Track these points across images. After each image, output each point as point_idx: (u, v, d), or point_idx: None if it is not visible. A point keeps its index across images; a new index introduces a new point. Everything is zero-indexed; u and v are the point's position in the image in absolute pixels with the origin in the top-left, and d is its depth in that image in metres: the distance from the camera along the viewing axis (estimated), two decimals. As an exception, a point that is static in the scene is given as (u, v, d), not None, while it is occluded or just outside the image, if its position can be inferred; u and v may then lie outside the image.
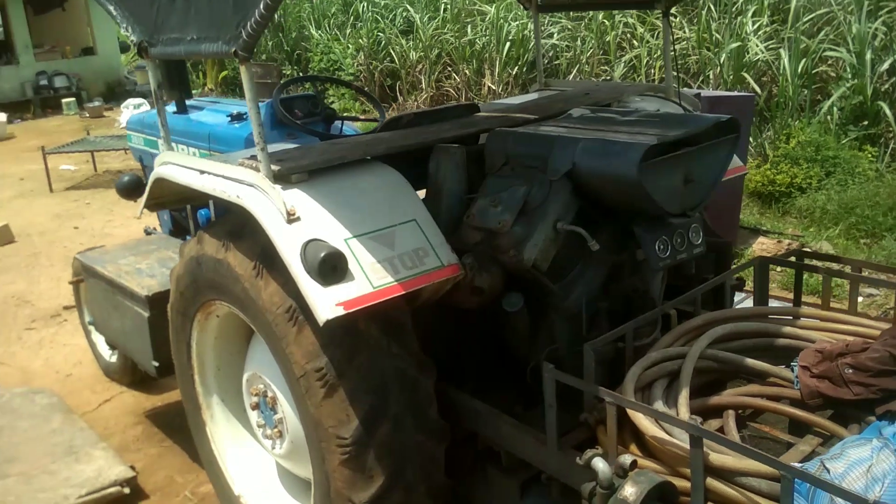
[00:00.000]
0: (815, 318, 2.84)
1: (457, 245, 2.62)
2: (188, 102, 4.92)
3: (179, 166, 2.88)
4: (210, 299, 2.91)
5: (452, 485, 2.69)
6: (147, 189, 3.10)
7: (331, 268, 2.27)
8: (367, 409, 2.42)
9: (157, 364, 3.57)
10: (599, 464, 1.96)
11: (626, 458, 1.98)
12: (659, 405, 2.33)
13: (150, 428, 4.25)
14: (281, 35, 16.45)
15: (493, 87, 11.64)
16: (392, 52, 13.19)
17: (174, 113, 4.90)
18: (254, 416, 3.06)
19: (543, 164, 2.60)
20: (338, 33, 15.01)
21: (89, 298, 4.26)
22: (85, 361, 4.93)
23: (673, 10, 10.15)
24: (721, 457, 2.01)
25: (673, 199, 2.54)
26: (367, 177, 2.60)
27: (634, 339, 2.63)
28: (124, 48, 17.14)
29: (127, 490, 3.56)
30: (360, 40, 13.87)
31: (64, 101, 14.69)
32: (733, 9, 9.22)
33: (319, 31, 15.40)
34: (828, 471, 1.87)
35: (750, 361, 2.63)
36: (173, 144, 4.54)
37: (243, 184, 2.52)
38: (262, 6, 2.14)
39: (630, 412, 2.25)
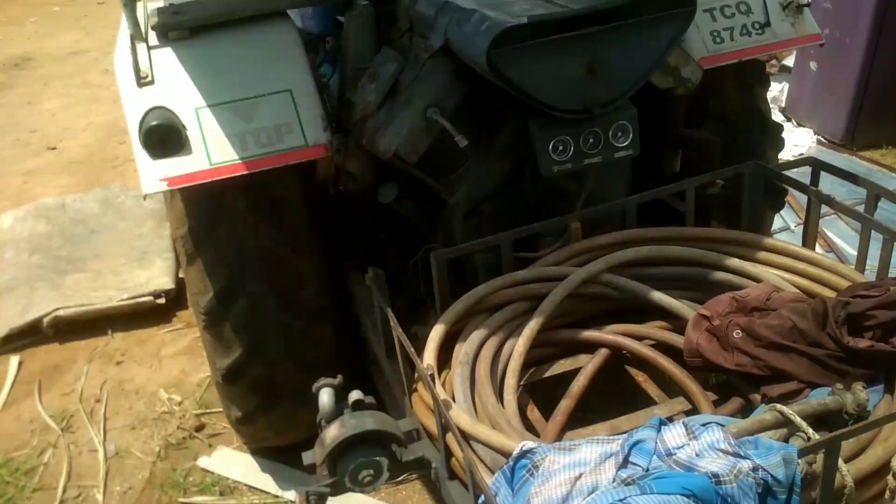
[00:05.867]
0: (784, 254, 2.22)
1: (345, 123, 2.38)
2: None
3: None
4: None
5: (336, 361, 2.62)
6: None
7: (159, 140, 2.17)
8: (222, 283, 2.40)
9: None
10: (325, 396, 1.78)
11: (353, 395, 1.78)
12: (477, 335, 2.01)
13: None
14: None
15: None
16: None
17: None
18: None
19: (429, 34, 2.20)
20: None
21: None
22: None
23: None
24: (456, 416, 1.73)
25: (567, 91, 2.04)
26: (258, 36, 2.39)
27: (527, 251, 2.27)
28: None
29: (161, 301, 3.96)
30: None
31: None
32: None
33: None
34: (533, 466, 1.53)
35: (656, 294, 2.16)
36: None
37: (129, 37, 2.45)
38: None
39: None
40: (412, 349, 1.79)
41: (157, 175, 2.19)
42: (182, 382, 3.55)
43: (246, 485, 2.95)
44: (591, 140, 2.15)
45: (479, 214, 2.33)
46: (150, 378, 3.60)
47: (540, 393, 2.15)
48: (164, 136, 2.18)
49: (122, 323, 3.93)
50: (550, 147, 2.12)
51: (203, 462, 3.07)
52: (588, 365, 2.08)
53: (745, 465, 1.38)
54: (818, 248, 3.58)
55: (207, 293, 2.41)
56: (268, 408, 2.62)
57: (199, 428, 3.28)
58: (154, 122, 2.17)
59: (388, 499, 2.80)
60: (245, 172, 2.23)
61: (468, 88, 2.21)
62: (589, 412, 2.85)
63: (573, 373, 2.10)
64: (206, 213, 2.37)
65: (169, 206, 2.47)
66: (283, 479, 2.92)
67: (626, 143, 2.18)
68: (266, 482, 2.93)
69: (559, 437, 1.89)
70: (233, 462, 3.06)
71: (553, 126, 2.12)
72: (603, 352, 2.12)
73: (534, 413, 2.02)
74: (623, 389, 2.13)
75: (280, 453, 2.93)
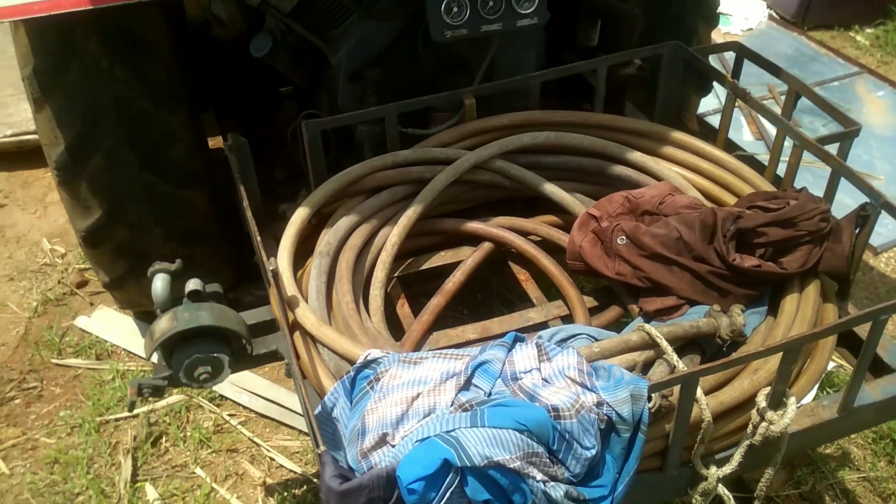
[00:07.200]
0: (691, 151, 2.03)
1: None
2: None
3: None
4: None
5: (215, 231, 2.42)
6: None
7: (-16, -39, 1.82)
8: (74, 135, 2.13)
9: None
10: (158, 283, 1.59)
11: (191, 284, 1.59)
12: (346, 221, 1.81)
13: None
14: None
15: None
16: None
17: None
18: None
19: None
20: None
21: None
22: None
23: None
24: (302, 314, 1.56)
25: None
26: None
27: (419, 128, 2.04)
28: None
29: (49, 141, 3.63)
30: None
31: None
32: None
33: None
34: (375, 378, 1.39)
35: (549, 186, 1.97)
36: None
37: None
38: None
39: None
40: (258, 236, 1.59)
41: (-17, 4, 1.86)
42: (67, 233, 3.30)
43: (125, 349, 2.80)
44: (492, 3, 1.88)
45: (363, 79, 2.07)
46: (33, 225, 3.36)
47: (417, 285, 1.99)
48: None
49: (5, 162, 3.62)
50: (443, 7, 1.85)
51: (81, 322, 2.90)
52: (468, 260, 1.91)
53: (590, 399, 1.25)
54: (749, 135, 3.43)
55: (59, 145, 2.14)
56: (138, 274, 2.41)
57: (82, 284, 3.08)
58: None
59: (270, 374, 2.68)
60: (90, 7, 1.90)
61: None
62: (488, 295, 2.74)
63: (454, 266, 1.94)
64: (54, 51, 2.06)
65: (14, 39, 2.14)
66: (164, 346, 2.77)
67: (530, 10, 1.91)
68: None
69: (424, 338, 1.75)
70: (113, 324, 2.89)
71: None
72: (486, 246, 1.95)
73: (404, 308, 1.87)
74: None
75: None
